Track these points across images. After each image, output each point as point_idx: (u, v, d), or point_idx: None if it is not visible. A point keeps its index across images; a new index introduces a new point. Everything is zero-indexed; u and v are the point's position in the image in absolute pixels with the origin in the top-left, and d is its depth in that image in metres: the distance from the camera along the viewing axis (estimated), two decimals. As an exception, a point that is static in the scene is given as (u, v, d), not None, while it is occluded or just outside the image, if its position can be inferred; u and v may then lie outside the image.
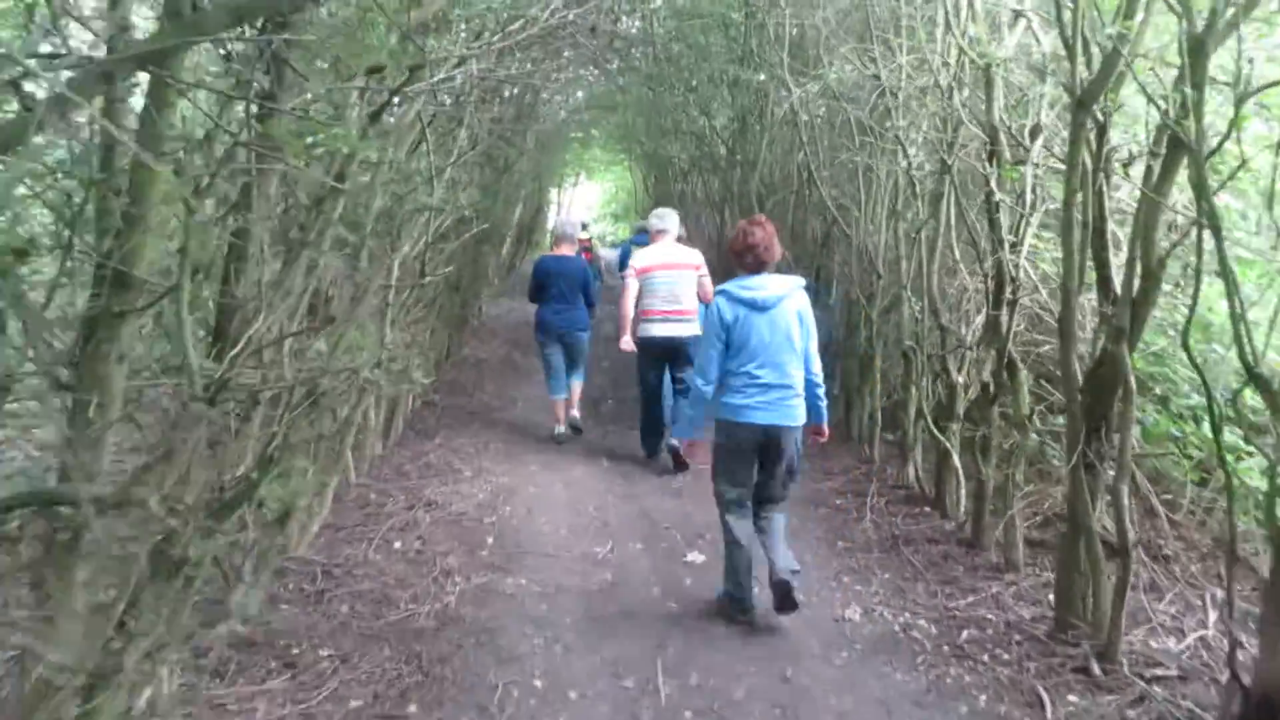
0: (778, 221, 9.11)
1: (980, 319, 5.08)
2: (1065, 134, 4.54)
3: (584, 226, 10.71)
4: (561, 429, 7.09)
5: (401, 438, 6.96)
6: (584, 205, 34.46)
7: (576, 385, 7.31)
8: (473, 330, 12.33)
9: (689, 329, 6.08)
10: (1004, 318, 4.50)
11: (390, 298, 4.44)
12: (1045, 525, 4.91)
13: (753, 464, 3.98)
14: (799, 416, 3.95)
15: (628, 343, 6.33)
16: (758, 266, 3.99)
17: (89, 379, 1.98)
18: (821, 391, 4.15)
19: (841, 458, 6.57)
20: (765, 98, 8.61)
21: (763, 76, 8.20)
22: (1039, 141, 4.39)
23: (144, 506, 1.42)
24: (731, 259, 4.13)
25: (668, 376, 6.46)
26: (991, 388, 4.64)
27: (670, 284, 6.19)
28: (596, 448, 7.05)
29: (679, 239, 6.75)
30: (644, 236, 11.76)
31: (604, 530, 5.13)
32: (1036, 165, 4.40)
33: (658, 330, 6.20)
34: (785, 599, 3.75)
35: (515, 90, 8.60)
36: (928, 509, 5.36)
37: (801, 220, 8.71)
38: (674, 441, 6.11)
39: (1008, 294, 4.46)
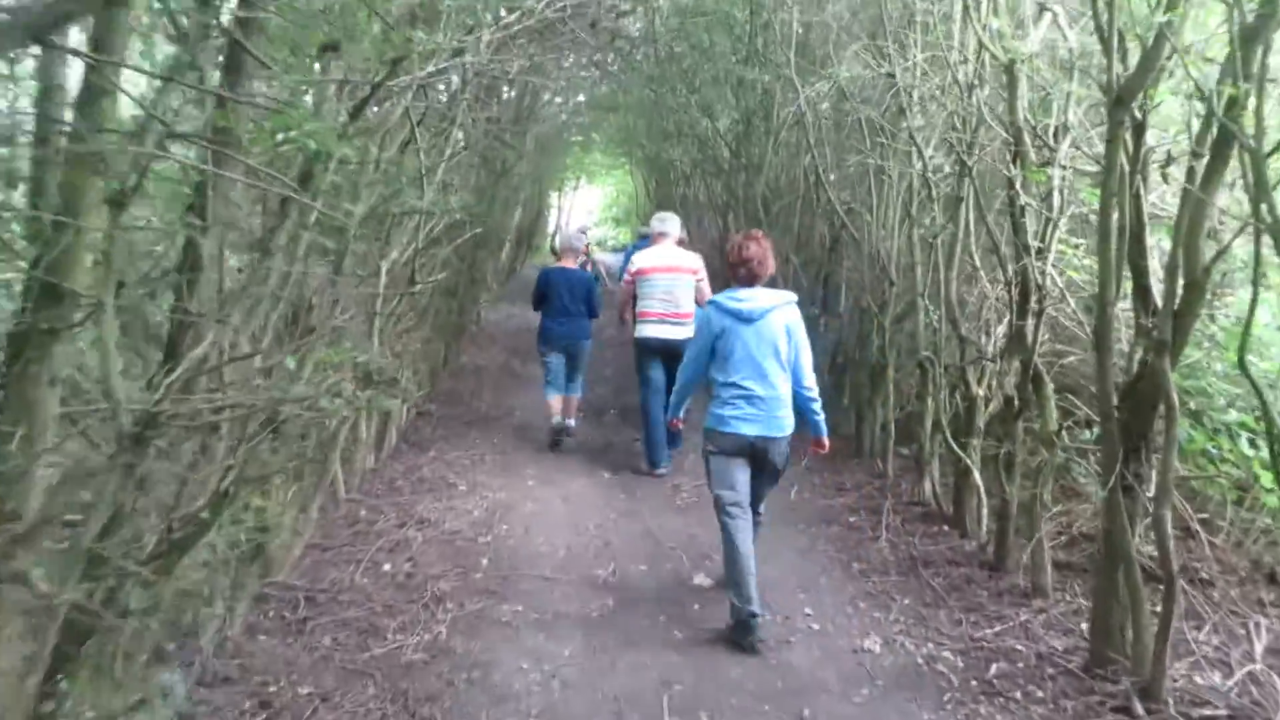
0: (784, 227, 8.95)
1: (1001, 329, 4.83)
2: (1093, 134, 4.31)
3: (583, 232, 10.39)
4: (558, 418, 7.07)
5: (394, 450, 6.70)
6: (585, 209, 34.28)
7: (574, 398, 7.27)
8: (471, 337, 12.08)
9: (685, 332, 6.07)
10: (1029, 328, 4.25)
11: (378, 306, 4.18)
12: (1071, 545, 4.66)
13: (745, 469, 4.00)
14: (786, 427, 4.00)
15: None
16: (750, 280, 4.08)
17: (15, 404, 1.73)
18: (817, 405, 4.18)
19: (853, 472, 6.31)
20: (770, 99, 8.37)
21: (768, 77, 7.95)
22: (1066, 141, 4.14)
23: (22, 581, 1.17)
24: (726, 270, 4.19)
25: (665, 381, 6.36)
26: (1016, 402, 4.38)
27: (668, 286, 6.25)
28: (598, 460, 6.79)
29: (680, 242, 6.76)
30: (647, 242, 11.76)
31: (605, 550, 4.88)
32: (1064, 167, 4.16)
33: (654, 331, 6.27)
34: (743, 634, 3.77)
35: (513, 90, 8.37)
36: (946, 528, 5.10)
37: (809, 225, 8.47)
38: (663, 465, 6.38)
39: (1033, 303, 4.21)
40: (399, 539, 4.90)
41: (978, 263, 4.93)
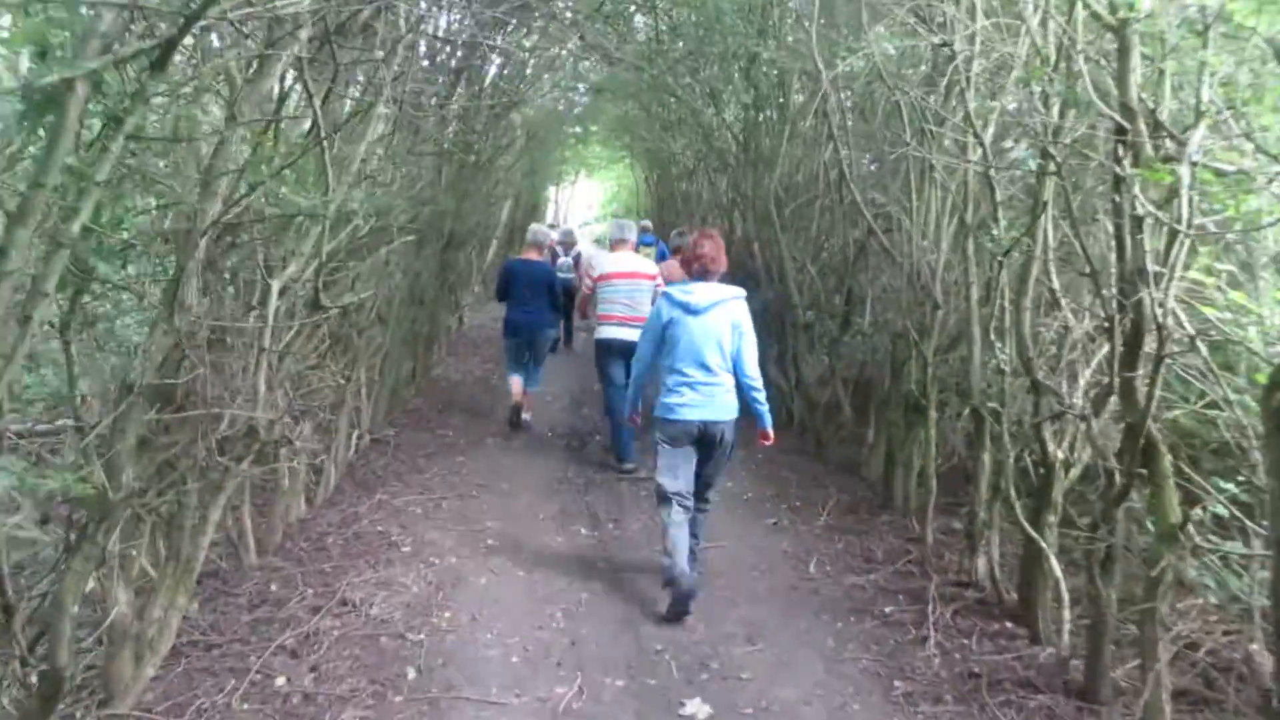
0: (798, 229, 7.82)
1: (1088, 372, 3.72)
2: (1231, 119, 3.20)
3: (552, 227, 11.38)
4: (518, 400, 7.45)
5: (334, 493, 5.61)
6: (585, 205, 33.14)
7: (530, 390, 7.60)
8: (450, 343, 10.99)
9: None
10: (1142, 381, 3.14)
11: (266, 340, 3.07)
12: (1179, 657, 3.55)
13: (692, 459, 4.26)
14: (731, 410, 4.26)
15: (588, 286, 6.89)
16: (702, 274, 4.33)
17: None
18: (761, 396, 4.36)
19: (882, 535, 5.19)
20: (786, 81, 7.25)
21: (785, 54, 6.82)
22: (1200, 130, 3.03)
23: None
24: (681, 265, 4.51)
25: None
26: (1121, 479, 3.27)
27: (629, 291, 6.52)
28: (573, 507, 5.70)
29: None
30: (650, 237, 10.77)
31: (571, 653, 3.77)
32: (1196, 164, 3.04)
33: (614, 333, 6.51)
34: (679, 603, 4.05)
35: (488, 66, 7.25)
36: (1010, 624, 3.99)
37: (828, 229, 7.35)
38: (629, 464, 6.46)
39: (1149, 348, 3.10)
40: (308, 631, 3.81)
41: (1060, 287, 3.81)
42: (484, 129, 8.04)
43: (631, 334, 6.08)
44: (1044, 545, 3.74)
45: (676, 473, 4.22)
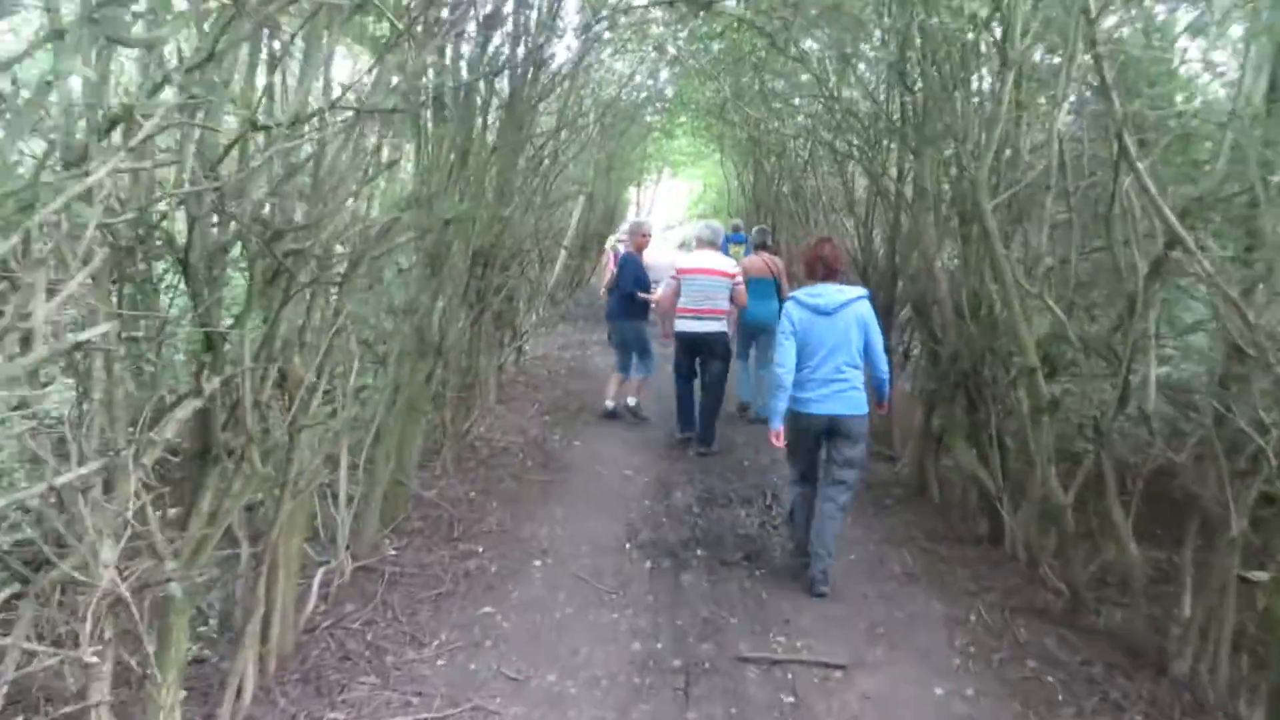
0: (1008, 238, 5.09)
1: None
2: None
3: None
4: (610, 404, 7.98)
5: (267, 686, 3.25)
6: (670, 205, 30.62)
7: (636, 377, 8.04)
8: (502, 385, 8.61)
9: (716, 326, 7.02)
10: None
11: None
12: None
13: (815, 450, 4.63)
14: (860, 406, 4.47)
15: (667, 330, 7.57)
16: (827, 276, 4.63)
17: None
18: (886, 380, 4.69)
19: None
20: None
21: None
22: None
23: None
24: (803, 268, 4.77)
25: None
26: None
27: (705, 287, 6.96)
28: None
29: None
30: (741, 235, 10.45)
31: None
32: None
33: (688, 326, 7.02)
34: (817, 577, 4.40)
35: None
36: None
37: (1063, 237, 4.69)
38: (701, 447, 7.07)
39: None
40: None
41: None
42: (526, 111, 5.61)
43: (702, 325, 6.97)
44: None
45: (799, 458, 4.66)
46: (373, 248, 3.11)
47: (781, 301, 8.36)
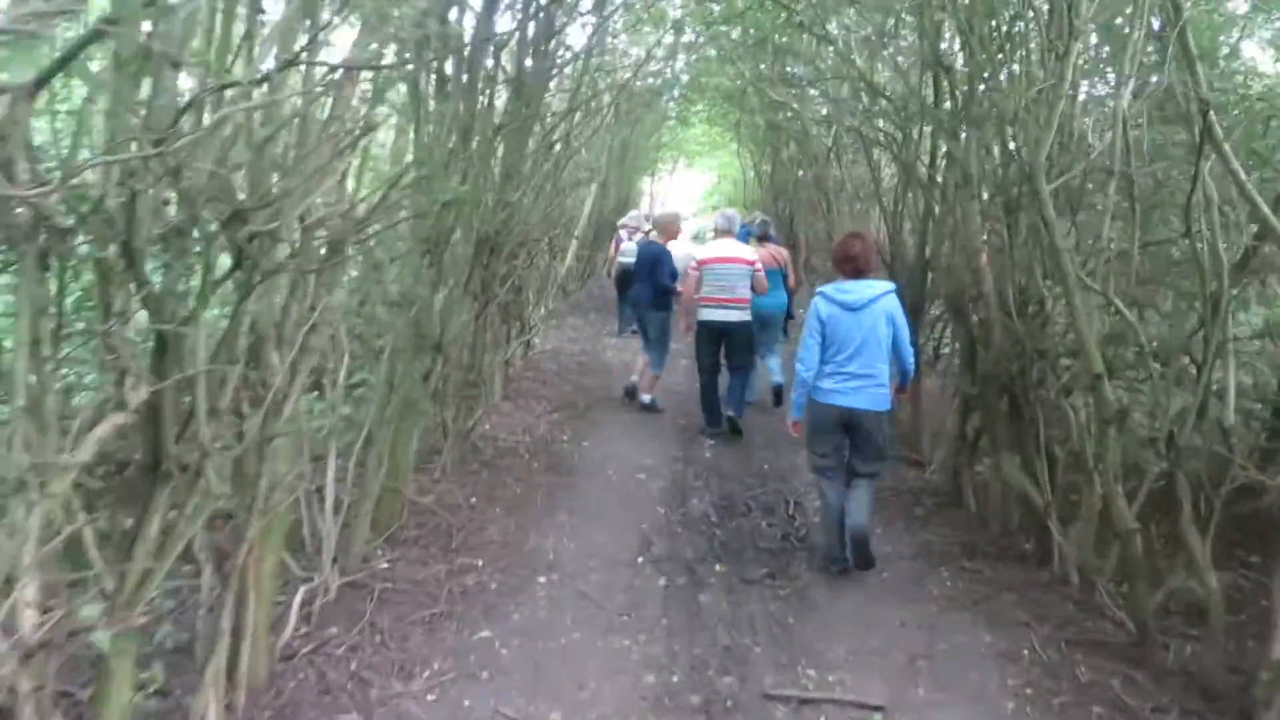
0: (1069, 228, 4.57)
1: None
2: None
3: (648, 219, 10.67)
4: (634, 378, 7.97)
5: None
6: (684, 198, 30.09)
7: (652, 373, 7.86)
8: (508, 379, 8.21)
9: (739, 315, 6.99)
10: None
11: None
12: None
13: (836, 439, 4.58)
14: (882, 402, 4.47)
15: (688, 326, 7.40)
16: (856, 274, 4.58)
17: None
18: (912, 370, 4.85)
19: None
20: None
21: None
22: None
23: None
24: (833, 265, 4.76)
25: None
26: None
27: (726, 276, 6.95)
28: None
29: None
30: (744, 231, 9.98)
31: None
32: None
33: (711, 315, 7.00)
34: (861, 551, 4.41)
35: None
36: None
37: (1120, 228, 4.26)
38: (729, 413, 7.05)
39: None
40: None
41: None
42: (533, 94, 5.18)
43: (725, 314, 6.95)
44: None
45: (820, 447, 4.62)
46: (354, 231, 2.70)
47: (788, 292, 8.12)
